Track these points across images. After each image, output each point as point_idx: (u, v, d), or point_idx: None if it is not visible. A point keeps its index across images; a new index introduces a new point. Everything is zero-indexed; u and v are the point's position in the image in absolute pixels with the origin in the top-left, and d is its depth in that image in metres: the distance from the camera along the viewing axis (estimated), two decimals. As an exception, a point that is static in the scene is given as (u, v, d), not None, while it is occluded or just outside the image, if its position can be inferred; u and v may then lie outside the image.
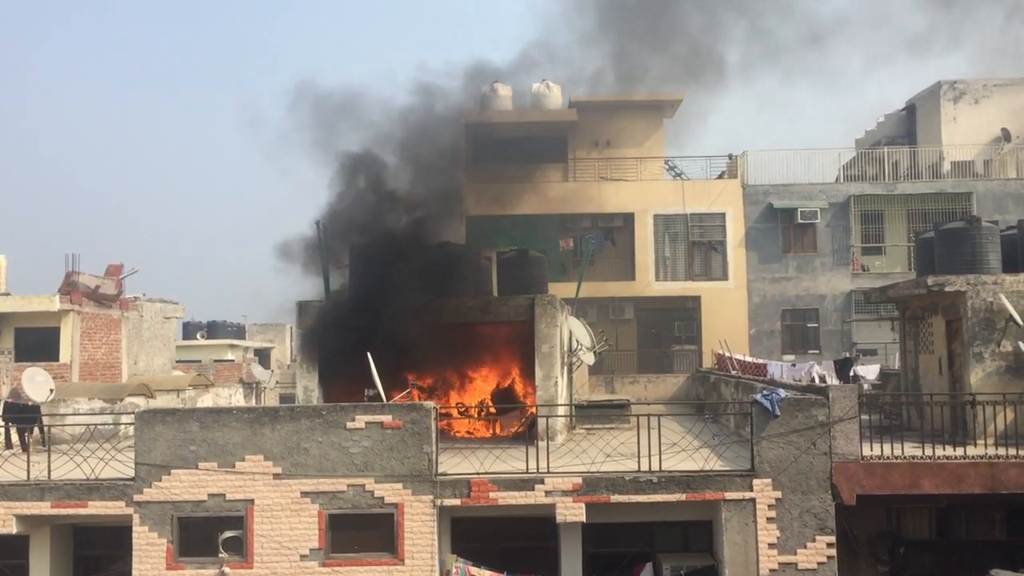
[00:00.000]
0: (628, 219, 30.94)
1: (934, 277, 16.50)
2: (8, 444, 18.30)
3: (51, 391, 20.30)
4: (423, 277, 19.49)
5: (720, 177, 32.29)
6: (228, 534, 13.57)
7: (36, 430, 18.15)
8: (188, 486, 13.69)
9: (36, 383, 20.04)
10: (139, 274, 30.11)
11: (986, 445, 14.59)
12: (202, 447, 13.74)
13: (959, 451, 14.12)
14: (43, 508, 13.84)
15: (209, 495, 13.67)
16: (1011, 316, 15.68)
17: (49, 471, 14.06)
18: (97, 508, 13.79)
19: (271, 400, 33.34)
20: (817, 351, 29.88)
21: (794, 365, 23.58)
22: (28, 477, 14.05)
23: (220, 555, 13.53)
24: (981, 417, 14.99)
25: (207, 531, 13.62)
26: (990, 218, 19.85)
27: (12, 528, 13.84)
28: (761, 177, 31.43)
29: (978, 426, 15.11)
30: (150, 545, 13.63)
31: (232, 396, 27.17)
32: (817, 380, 20.40)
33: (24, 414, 18.60)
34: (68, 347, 25.41)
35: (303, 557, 13.51)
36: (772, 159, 31.72)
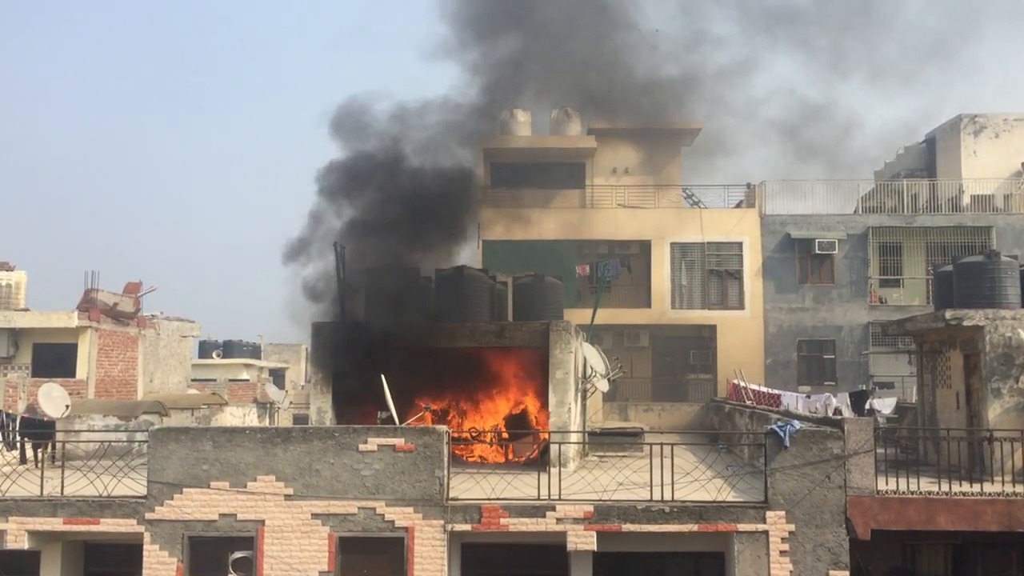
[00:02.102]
0: (645, 246, 30.97)
1: (952, 311, 16.41)
2: (23, 459, 18.39)
3: (67, 407, 20.44)
4: (438, 301, 19.56)
5: (738, 206, 32.30)
6: (238, 554, 13.57)
7: (50, 446, 18.24)
8: (199, 505, 13.71)
9: (52, 399, 20.19)
10: (157, 292, 30.29)
11: (1003, 482, 14.42)
12: (214, 466, 13.77)
13: (976, 487, 13.97)
14: (55, 524, 13.88)
15: (220, 515, 13.68)
16: (1030, 352, 15.55)
17: (62, 487, 14.12)
18: (109, 525, 13.82)
19: (285, 420, 33.37)
20: (833, 383, 29.71)
21: (809, 396, 23.44)
22: (41, 493, 14.10)
23: (229, 575, 13.51)
24: (999, 453, 14.83)
25: (217, 551, 13.62)
26: (1009, 252, 19.73)
27: (24, 544, 13.87)
28: (779, 207, 31.45)
29: (995, 462, 14.95)
30: (160, 564, 13.63)
31: (246, 416, 27.23)
32: (832, 412, 20.26)
33: (40, 430, 18.71)
34: (85, 363, 25.57)
35: (312, 579, 13.47)
36: (790, 189, 31.72)
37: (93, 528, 13.89)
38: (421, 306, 19.27)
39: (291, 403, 35.38)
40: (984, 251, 19.48)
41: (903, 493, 13.53)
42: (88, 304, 26.14)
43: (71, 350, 25.45)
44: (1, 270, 27.69)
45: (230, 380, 39.69)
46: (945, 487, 13.69)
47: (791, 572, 13.18)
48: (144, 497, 13.83)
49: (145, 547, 13.67)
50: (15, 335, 25.50)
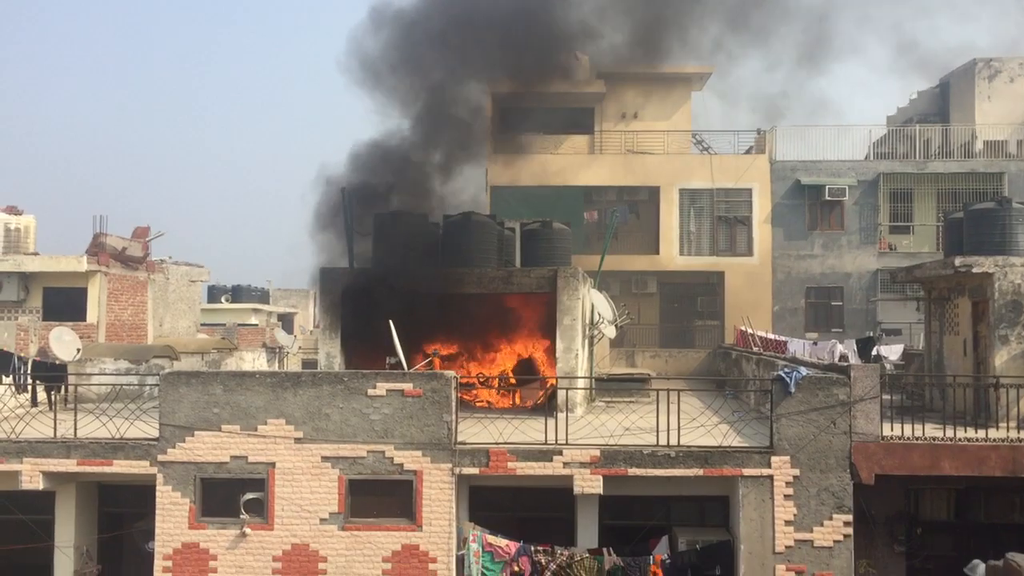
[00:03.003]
0: (653, 193, 30.82)
1: (962, 258, 16.35)
2: (35, 402, 18.61)
3: (78, 351, 20.62)
4: (446, 247, 19.55)
5: (748, 152, 32.04)
6: (249, 496, 13.78)
7: (62, 388, 18.43)
8: (211, 448, 13.90)
9: (63, 342, 20.36)
10: (165, 237, 30.34)
11: (1008, 428, 14.50)
12: (225, 410, 13.93)
13: (981, 433, 14.06)
14: (69, 465, 14.09)
15: (231, 457, 13.87)
16: (1039, 299, 15.52)
17: (75, 429, 14.31)
18: (122, 467, 14.03)
19: (293, 365, 33.64)
20: (841, 330, 29.75)
21: (816, 343, 23.48)
22: (55, 435, 14.30)
23: (241, 516, 13.75)
24: (1004, 400, 14.89)
25: (229, 492, 13.83)
26: (1021, 199, 19.59)
27: (39, 484, 14.11)
28: (789, 153, 31.20)
29: (1001, 409, 15.02)
30: (173, 504, 13.86)
31: (255, 360, 27.43)
32: (838, 359, 20.31)
33: (51, 373, 18.89)
34: (95, 308, 25.71)
35: (323, 520, 13.69)
36: (801, 135, 31.43)
37: (106, 469, 14.11)
38: (429, 252, 19.27)
39: (300, 348, 35.70)
40: (995, 198, 19.33)
41: (908, 439, 13.62)
42: (97, 248, 26.20)
43: (81, 294, 25.57)
44: (10, 214, 27.72)
45: (239, 325, 39.92)
46: (950, 433, 13.77)
47: (795, 516, 13.34)
48: (156, 439, 14.02)
49: (158, 488, 13.89)
50: (25, 279, 25.62)
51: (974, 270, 16.09)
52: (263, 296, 54.36)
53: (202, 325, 35.97)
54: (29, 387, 18.64)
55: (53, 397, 17.92)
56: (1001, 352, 15.81)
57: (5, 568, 15.67)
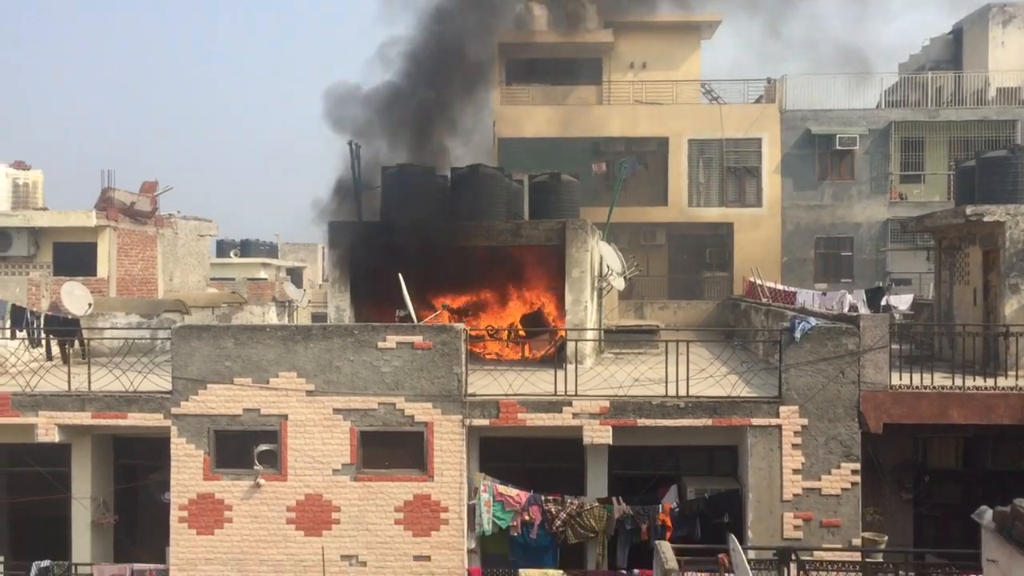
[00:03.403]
0: (662, 143, 30.59)
1: (973, 206, 16.25)
2: (49, 356, 18.76)
3: (89, 305, 20.74)
4: (454, 200, 19.51)
5: (758, 101, 31.72)
6: (263, 447, 13.94)
7: (76, 343, 18.58)
8: (224, 400, 14.02)
9: (75, 297, 20.48)
10: (172, 192, 30.32)
11: (1017, 376, 14.53)
12: (237, 363, 14.03)
13: (990, 382, 14.09)
14: (84, 418, 14.26)
15: (244, 410, 14.00)
16: (1050, 248, 15.46)
17: (89, 383, 14.45)
18: (136, 419, 14.19)
19: (303, 319, 33.77)
20: (850, 280, 29.69)
21: (825, 294, 23.45)
22: (69, 388, 14.45)
23: (255, 467, 13.92)
24: (1014, 349, 14.90)
25: (243, 444, 13.99)
26: (1034, 147, 19.42)
27: (55, 437, 14.29)
28: (800, 102, 30.86)
29: (1010, 357, 15.04)
30: (188, 456, 14.04)
31: (265, 314, 27.53)
32: (847, 309, 20.30)
33: (64, 327, 19.03)
34: (105, 262, 25.81)
35: (335, 471, 13.86)
36: (812, 84, 31.07)
37: (121, 422, 14.27)
38: (437, 205, 19.24)
39: (309, 302, 35.80)
40: (1008, 146, 19.16)
41: (916, 388, 13.66)
42: (105, 203, 26.24)
43: (91, 249, 25.67)
44: (18, 169, 27.72)
45: (248, 279, 40.07)
46: (959, 382, 13.80)
47: (803, 464, 13.44)
48: (169, 392, 14.15)
49: (172, 440, 14.06)
50: (35, 234, 25.71)
51: (985, 219, 16.00)
52: (272, 250, 54.44)
53: (211, 279, 36.12)
54: (43, 341, 18.79)
55: (67, 351, 18.06)
56: (1011, 301, 15.79)
57: (24, 519, 15.96)
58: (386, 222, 19.22)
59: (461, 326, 14.28)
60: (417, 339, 13.95)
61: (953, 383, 13.81)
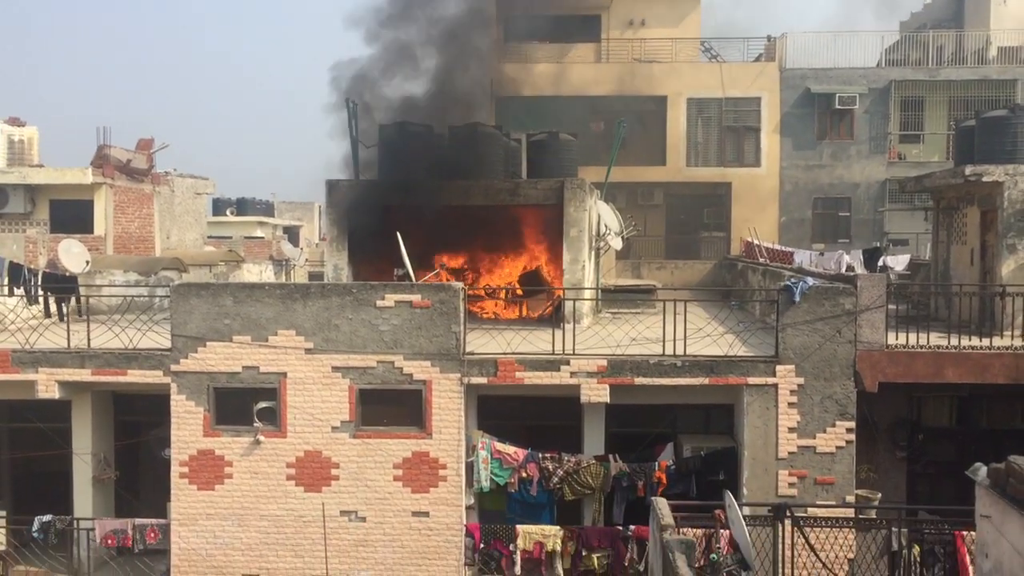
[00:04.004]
0: (661, 102, 30.41)
1: (972, 167, 16.21)
2: (47, 313, 18.79)
3: (87, 263, 20.71)
4: (453, 158, 19.41)
5: (757, 60, 31.49)
6: (262, 404, 14.01)
7: (73, 300, 18.59)
8: (223, 358, 14.07)
9: (72, 255, 20.44)
10: (168, 149, 30.14)
11: (1013, 336, 14.61)
12: (236, 321, 14.05)
13: (985, 342, 14.17)
14: (84, 375, 14.31)
15: (243, 367, 14.05)
16: (1048, 209, 15.46)
17: (88, 340, 14.48)
18: (136, 376, 14.25)
19: (300, 278, 33.77)
20: (847, 240, 29.70)
21: (822, 254, 23.49)
22: (68, 345, 14.48)
23: (255, 424, 14.01)
24: (1010, 308, 14.96)
25: (242, 401, 14.06)
26: (1035, 107, 19.32)
27: (55, 393, 14.36)
28: (800, 60, 30.63)
29: (1006, 317, 15.10)
30: (188, 413, 14.12)
31: (262, 272, 27.56)
32: (845, 269, 20.34)
33: (62, 284, 19.03)
34: (102, 220, 25.73)
35: (334, 428, 13.95)
36: (813, 42, 30.84)
37: (121, 379, 14.33)
38: (435, 164, 19.14)
39: (307, 260, 35.73)
40: (1008, 105, 19.06)
41: (912, 347, 13.73)
42: (102, 160, 26.09)
43: (87, 206, 25.57)
44: (13, 126, 27.52)
45: (245, 238, 39.99)
46: (954, 341, 13.88)
47: (798, 423, 13.55)
48: (169, 350, 14.18)
49: (172, 397, 14.13)
50: (31, 191, 25.59)
51: (984, 179, 15.98)
52: (268, 209, 54.34)
53: (208, 238, 36.03)
54: (40, 299, 18.80)
55: (64, 309, 18.08)
56: (1008, 261, 15.82)
57: (25, 474, 16.10)
58: (384, 180, 19.14)
59: (459, 285, 14.29)
60: (415, 298, 13.97)
61: (949, 343, 13.88)
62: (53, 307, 18.91)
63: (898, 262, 23.03)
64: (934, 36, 31.90)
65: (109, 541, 14.33)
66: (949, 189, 17.98)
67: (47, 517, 14.48)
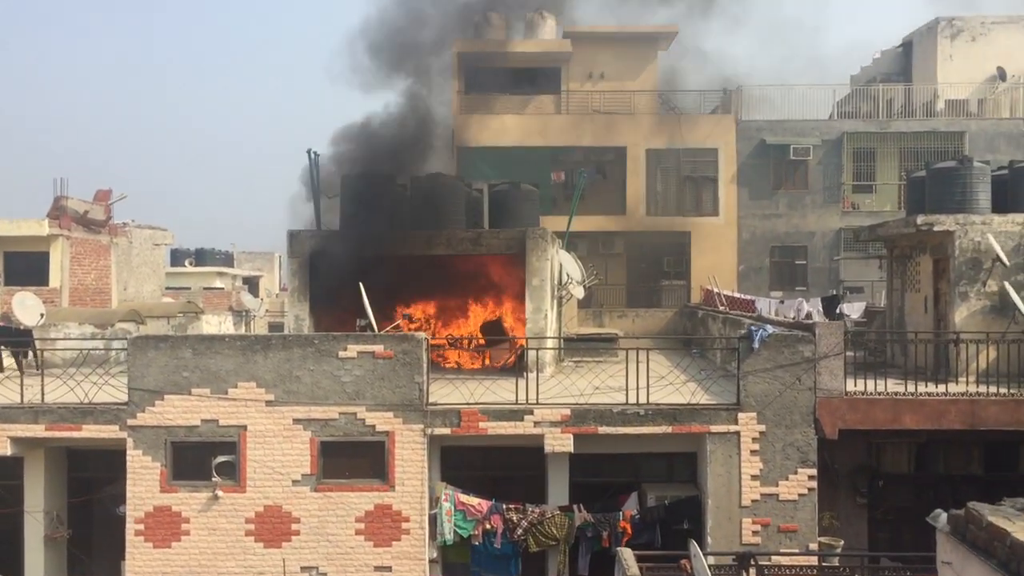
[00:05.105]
0: (620, 153, 30.82)
1: (924, 216, 16.59)
2: (0, 367, 18.40)
3: (42, 315, 20.37)
4: (414, 208, 19.50)
5: (714, 112, 32.13)
6: (221, 459, 13.79)
7: (28, 354, 18.24)
8: (181, 411, 13.86)
9: (27, 307, 20.09)
10: (127, 200, 29.87)
11: (967, 383, 14.85)
12: (195, 373, 13.87)
13: (941, 388, 14.38)
14: (37, 431, 13.99)
15: (202, 420, 13.84)
16: (998, 256, 15.84)
17: (43, 394, 14.19)
18: (91, 431, 13.96)
19: (260, 329, 33.49)
20: (804, 288, 30.13)
21: (782, 302, 23.81)
22: (22, 400, 14.18)
23: (213, 479, 13.76)
24: (964, 355, 15.24)
25: (200, 455, 13.83)
26: (982, 158, 19.88)
27: (7, 450, 14.00)
28: (755, 113, 31.30)
29: (960, 364, 15.38)
30: (144, 468, 13.84)
31: (222, 324, 27.29)
32: (804, 317, 20.61)
33: (16, 338, 18.67)
34: (58, 272, 25.37)
35: (295, 482, 13.75)
36: (767, 94, 31.55)
37: (75, 434, 14.03)
38: (397, 214, 19.22)
39: (267, 311, 35.49)
40: (957, 156, 19.59)
41: (871, 394, 13.90)
42: (58, 212, 25.81)
43: (43, 259, 25.22)
44: (-33, 178, 27.16)
45: (204, 288, 39.63)
46: (911, 388, 14.08)
47: (761, 470, 13.60)
48: (125, 404, 13.94)
49: (128, 452, 13.85)
50: (-15, 244, 25.21)
51: (935, 228, 16.35)
52: (227, 259, 53.92)
53: (166, 289, 35.65)
54: (-6, 353, 18.42)
55: (20, 362, 17.73)
56: (961, 308, 16.14)
57: (-26, 534, 15.60)
58: (346, 230, 19.14)
59: (423, 335, 14.27)
60: (378, 348, 13.91)
61: (906, 389, 14.08)
62: (8, 361, 18.53)
63: (854, 309, 23.39)
64: (884, 89, 32.80)
65: (61, 602, 13.92)
66: (902, 238, 18.36)
67: (-4, 578, 14.06)
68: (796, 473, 13.59)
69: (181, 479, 13.87)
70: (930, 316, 17.38)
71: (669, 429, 13.69)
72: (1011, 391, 13.95)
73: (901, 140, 30.94)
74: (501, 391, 14.28)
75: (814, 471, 13.60)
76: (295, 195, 20.88)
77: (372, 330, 16.70)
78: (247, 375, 13.85)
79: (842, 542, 13.95)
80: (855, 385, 14.04)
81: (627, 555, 10.49)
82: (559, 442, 13.68)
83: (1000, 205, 17.21)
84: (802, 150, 30.38)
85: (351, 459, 13.84)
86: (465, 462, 14.59)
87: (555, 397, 14.16)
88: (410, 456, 13.77)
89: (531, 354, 16.23)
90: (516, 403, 13.90)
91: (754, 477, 13.60)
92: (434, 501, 13.88)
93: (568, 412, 13.72)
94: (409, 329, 18.46)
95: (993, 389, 14.18)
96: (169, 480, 13.85)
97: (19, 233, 25.05)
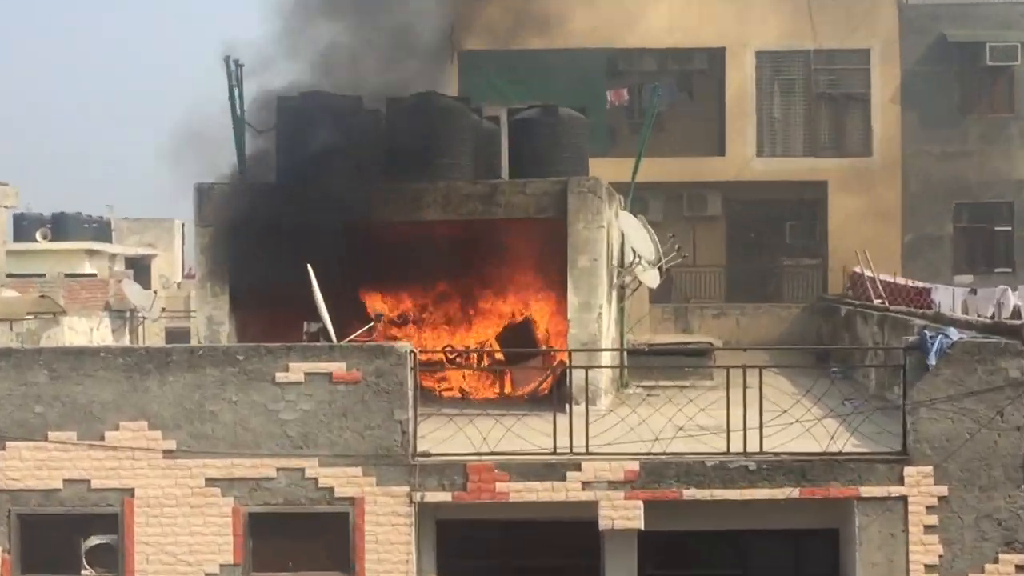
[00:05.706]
0: (716, 57, 30.77)
1: None
2: None
3: None
4: (394, 148, 19.51)
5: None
6: (96, 541, 13.91)
7: None
8: (33, 467, 13.97)
9: None
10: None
11: None
12: (53, 408, 13.97)
13: None
14: None
15: (65, 481, 13.95)
16: None
17: None
18: None
19: (155, 337, 33.67)
20: (1010, 270, 29.93)
21: (975, 291, 23.63)
22: None
23: (84, 572, 13.89)
24: None
25: (64, 536, 13.97)
26: None
27: None
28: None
29: None
30: (-24, 556, 14.01)
31: (94, 330, 27.48)
32: (1010, 315, 20.48)
33: None
34: None
35: (210, 577, 13.88)
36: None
37: None
38: (366, 157, 19.24)
39: (164, 310, 35.63)
40: None
41: (1117, 437, 13.80)
42: None
43: None
44: None
45: (66, 276, 39.81)
46: None
47: (941, 558, 13.56)
48: (-54, 457, 14.09)
49: (-49, 532, 14.02)
50: None
51: None
52: (102, 230, 54.15)
53: (9, 276, 35.91)
54: None
55: None
56: None
57: None
58: (286, 184, 19.20)
59: (407, 346, 14.31)
60: (338, 367, 13.96)
61: None
62: None
63: (1090, 303, 23.20)
64: None
65: None
66: None
67: None
68: (997, 561, 13.54)
69: (34, 572, 14.01)
70: None
71: (795, 493, 13.68)
72: None
73: None
74: (530, 434, 14.29)
75: (1025, 558, 13.57)
76: (205, 133, 20.78)
77: (329, 339, 16.75)
78: (134, 410, 13.94)
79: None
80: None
81: None
82: (622, 513, 13.70)
83: None
84: (1006, 51, 30.09)
85: (296, 541, 13.95)
86: (475, 545, 14.66)
87: (615, 443, 14.18)
88: (389, 535, 13.83)
89: (577, 376, 16.23)
90: (554, 453, 13.93)
91: (930, 567, 13.57)
92: (427, 607, 13.98)
93: (636, 467, 13.74)
94: (386, 338, 18.51)
95: None
96: (16, 574, 13.99)
97: None
